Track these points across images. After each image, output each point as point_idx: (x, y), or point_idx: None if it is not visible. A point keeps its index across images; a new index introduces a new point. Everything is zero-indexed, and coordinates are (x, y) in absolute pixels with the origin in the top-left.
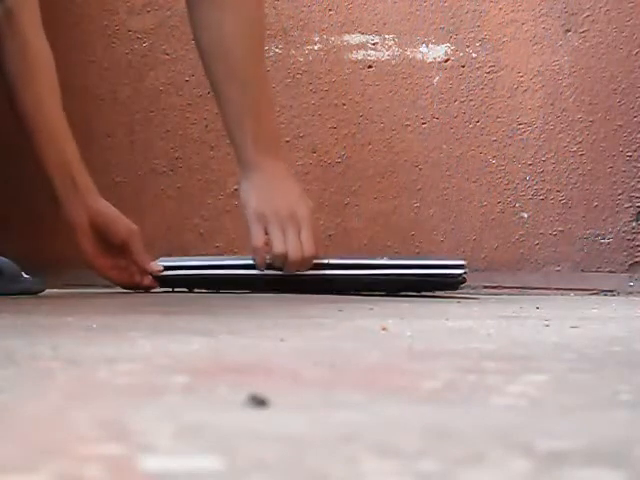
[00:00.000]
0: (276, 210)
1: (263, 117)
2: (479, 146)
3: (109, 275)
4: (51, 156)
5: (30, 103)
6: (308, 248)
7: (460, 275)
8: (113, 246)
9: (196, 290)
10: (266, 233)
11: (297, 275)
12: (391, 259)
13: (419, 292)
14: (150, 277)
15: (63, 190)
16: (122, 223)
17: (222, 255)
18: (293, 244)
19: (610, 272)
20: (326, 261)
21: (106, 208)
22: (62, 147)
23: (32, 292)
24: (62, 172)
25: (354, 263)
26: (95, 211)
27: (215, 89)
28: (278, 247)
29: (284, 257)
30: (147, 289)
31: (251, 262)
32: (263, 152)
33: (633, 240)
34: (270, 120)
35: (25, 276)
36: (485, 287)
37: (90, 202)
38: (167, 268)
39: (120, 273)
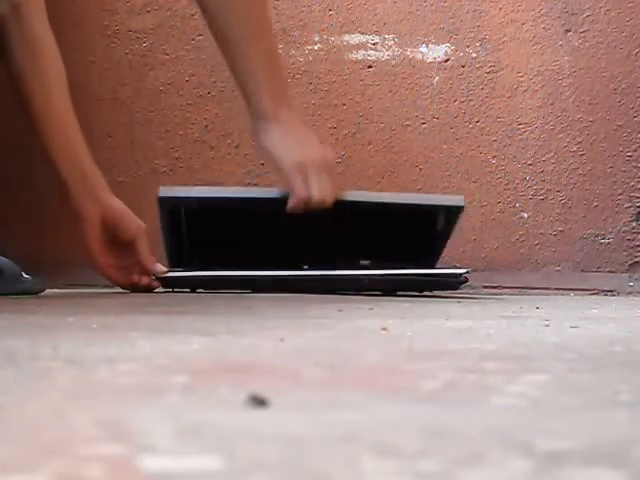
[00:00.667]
0: (312, 158)
1: (274, 67)
2: (479, 146)
3: (108, 273)
4: (60, 148)
5: (38, 96)
6: (336, 189)
7: (461, 275)
8: (118, 243)
9: (198, 291)
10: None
11: (299, 275)
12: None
13: (421, 292)
14: (149, 277)
15: (74, 183)
16: (131, 220)
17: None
18: (329, 189)
19: (610, 272)
20: (344, 199)
21: (117, 204)
22: (71, 139)
23: (32, 292)
24: (72, 164)
25: (368, 200)
26: (106, 206)
27: (225, 46)
28: (319, 192)
29: (323, 201)
30: (146, 290)
31: (253, 195)
32: (278, 102)
33: (633, 240)
34: (280, 70)
35: (25, 276)
36: (485, 287)
37: (102, 196)
38: (172, 199)
39: (118, 272)
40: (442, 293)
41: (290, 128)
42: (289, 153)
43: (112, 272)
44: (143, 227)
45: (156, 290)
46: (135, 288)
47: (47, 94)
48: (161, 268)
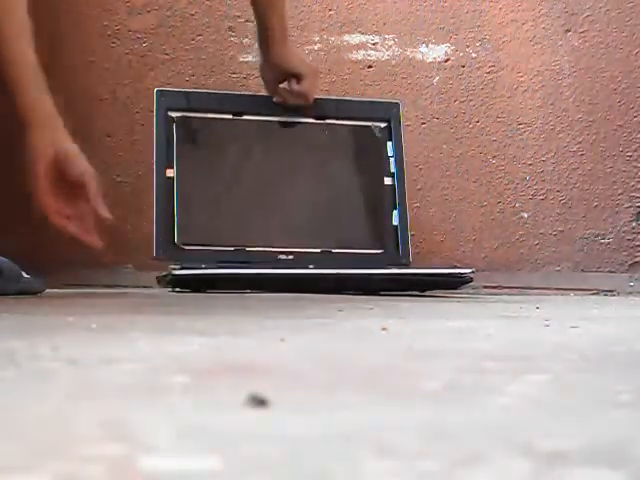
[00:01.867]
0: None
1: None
2: (479, 146)
3: (55, 219)
4: (29, 85)
5: (6, 32)
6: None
7: (466, 275)
8: (68, 185)
9: (208, 290)
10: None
11: (308, 274)
12: None
13: (423, 291)
14: (96, 238)
15: (36, 119)
16: (83, 162)
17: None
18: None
19: (610, 272)
20: None
21: (73, 147)
22: (38, 79)
23: (32, 292)
24: (39, 102)
25: None
26: (62, 147)
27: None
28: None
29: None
30: (90, 246)
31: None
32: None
33: (633, 240)
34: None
35: (25, 276)
36: (485, 287)
37: (60, 137)
38: None
39: (63, 218)
40: (442, 293)
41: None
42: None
43: (59, 217)
44: (93, 171)
45: (155, 290)
46: (80, 240)
47: (15, 33)
48: (107, 214)
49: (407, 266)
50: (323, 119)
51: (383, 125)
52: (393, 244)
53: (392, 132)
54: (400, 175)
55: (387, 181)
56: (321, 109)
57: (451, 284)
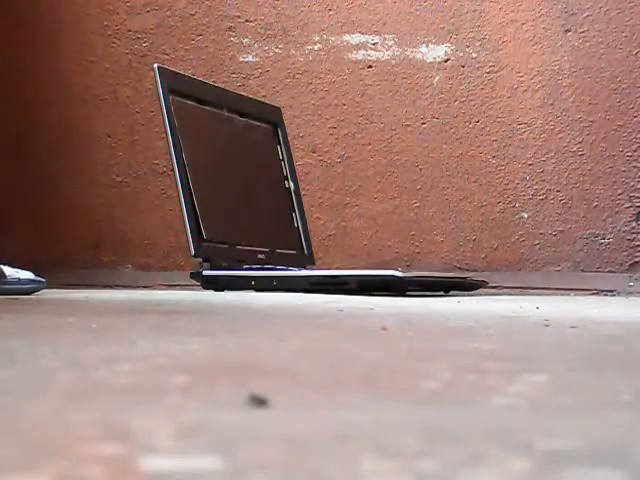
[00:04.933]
0: None
1: None
2: (479, 146)
3: None
4: None
5: None
6: None
7: (481, 279)
8: None
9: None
10: None
11: (329, 275)
12: None
13: (447, 292)
14: None
15: None
16: None
17: None
18: None
19: (610, 272)
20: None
21: None
22: None
23: (22, 292)
24: None
25: None
26: None
27: None
28: None
29: None
30: None
31: None
32: None
33: (633, 240)
34: None
35: (13, 277)
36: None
37: None
38: None
39: None
40: (442, 293)
41: None
42: None
43: None
44: None
45: (160, 290)
46: None
47: None
48: None
49: (313, 266)
50: (225, 110)
51: (270, 127)
52: (299, 245)
53: (279, 135)
54: (294, 178)
55: (286, 184)
56: (223, 99)
57: (470, 287)
